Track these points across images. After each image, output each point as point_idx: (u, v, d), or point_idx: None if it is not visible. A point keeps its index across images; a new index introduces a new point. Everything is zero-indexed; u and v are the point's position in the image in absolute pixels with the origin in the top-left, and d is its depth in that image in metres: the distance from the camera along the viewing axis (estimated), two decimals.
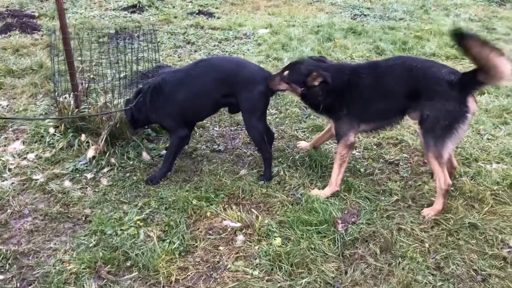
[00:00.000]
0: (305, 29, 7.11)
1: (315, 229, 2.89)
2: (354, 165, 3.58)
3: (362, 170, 3.53)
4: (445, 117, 2.85)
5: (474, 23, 7.85)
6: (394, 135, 3.97)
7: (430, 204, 3.10)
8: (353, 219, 3.01)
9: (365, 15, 8.21)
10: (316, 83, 3.12)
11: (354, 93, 3.12)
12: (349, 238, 2.83)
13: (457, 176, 3.39)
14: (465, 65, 5.69)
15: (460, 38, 2.76)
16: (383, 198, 3.23)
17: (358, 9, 8.63)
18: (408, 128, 4.10)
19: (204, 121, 4.21)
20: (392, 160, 3.68)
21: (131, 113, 3.46)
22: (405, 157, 3.72)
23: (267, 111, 4.41)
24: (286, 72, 3.25)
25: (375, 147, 3.86)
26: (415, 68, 2.99)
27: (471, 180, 3.37)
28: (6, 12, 7.19)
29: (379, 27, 7.34)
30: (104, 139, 3.56)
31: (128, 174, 3.44)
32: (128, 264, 2.65)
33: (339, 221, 2.98)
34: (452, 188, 3.18)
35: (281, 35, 6.70)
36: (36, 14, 7.31)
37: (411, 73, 2.98)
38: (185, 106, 3.33)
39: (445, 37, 6.81)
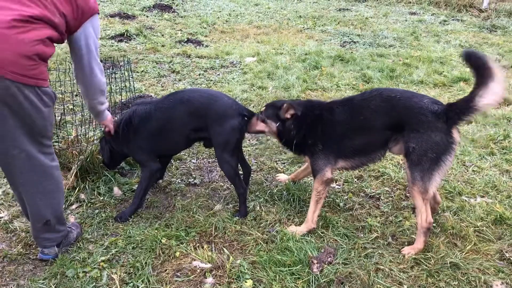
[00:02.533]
0: (293, 57, 7.07)
1: (289, 270, 2.73)
2: (334, 199, 3.45)
3: (341, 204, 3.39)
4: (432, 149, 2.72)
5: (464, 49, 7.83)
6: (376, 168, 3.84)
7: (410, 242, 2.96)
8: (329, 259, 2.85)
9: (354, 42, 8.19)
10: (288, 116, 3.04)
11: (328, 128, 3.00)
12: (324, 280, 2.67)
13: (439, 212, 3.25)
14: (453, 93, 5.63)
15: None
16: (362, 235, 3.08)
17: (348, 36, 8.62)
18: (391, 160, 3.98)
19: (181, 153, 4.09)
20: (373, 194, 3.54)
21: (108, 149, 3.36)
22: (387, 190, 3.59)
23: (248, 141, 4.33)
24: (262, 110, 3.20)
25: (356, 180, 3.73)
26: (395, 99, 2.86)
27: (454, 215, 3.23)
28: None
29: (368, 54, 7.30)
30: (74, 173, 3.44)
31: (97, 211, 3.30)
32: None
33: (315, 261, 2.82)
34: (434, 224, 3.04)
35: (268, 63, 6.64)
36: None
37: (390, 104, 2.85)
38: (155, 140, 3.22)
39: (434, 64, 6.78)
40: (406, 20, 10.04)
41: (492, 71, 2.54)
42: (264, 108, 3.26)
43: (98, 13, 2.77)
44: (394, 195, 3.52)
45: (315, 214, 3.10)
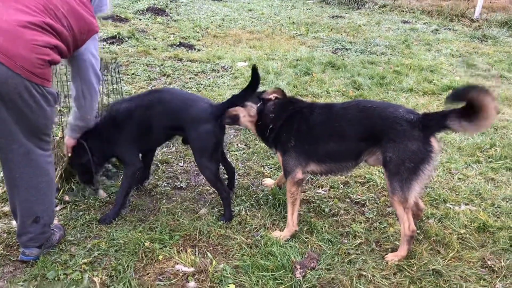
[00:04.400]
0: (284, 62, 7.09)
1: (272, 275, 2.72)
2: (319, 205, 3.45)
3: (326, 210, 3.39)
4: (410, 158, 2.71)
5: (455, 58, 7.89)
6: (362, 174, 3.86)
7: (394, 248, 2.96)
8: (312, 264, 2.85)
9: (346, 49, 8.23)
10: (272, 97, 3.11)
11: (304, 126, 3.01)
12: (306, 286, 2.66)
13: (423, 218, 3.26)
14: (442, 101, 5.66)
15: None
16: (346, 241, 3.08)
17: (340, 43, 8.66)
18: (378, 167, 3.99)
19: (168, 156, 4.08)
20: (358, 200, 3.55)
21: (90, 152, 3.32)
22: (372, 197, 3.59)
23: (236, 146, 4.33)
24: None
25: (341, 185, 3.73)
26: (370, 109, 2.87)
27: (438, 222, 3.24)
28: None
29: (359, 61, 7.33)
30: (59, 175, 3.41)
31: (81, 213, 3.28)
32: None
33: (298, 266, 2.81)
34: (418, 231, 3.05)
35: (259, 69, 6.62)
36: None
37: (366, 114, 2.86)
38: (137, 137, 3.25)
39: (424, 72, 6.82)
40: (398, 29, 10.11)
41: (487, 110, 2.47)
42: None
43: (98, 33, 2.92)
44: (379, 202, 3.53)
45: (294, 216, 3.10)
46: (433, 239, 3.05)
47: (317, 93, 5.74)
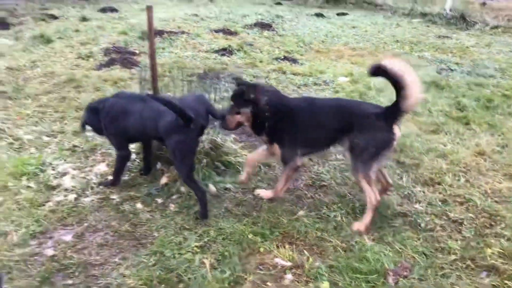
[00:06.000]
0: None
1: (365, 278, 2.89)
2: (415, 219, 3.53)
3: (422, 225, 3.47)
4: (374, 144, 3.27)
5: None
6: (461, 193, 3.86)
7: (491, 267, 2.97)
8: (405, 273, 2.96)
9: (451, 70, 8.07)
10: (252, 95, 3.41)
11: (297, 122, 3.46)
12: None
13: None
14: None
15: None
16: (440, 255, 3.14)
17: (445, 64, 8.50)
18: (479, 188, 3.97)
19: (270, 160, 4.39)
20: (456, 218, 3.57)
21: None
22: (471, 217, 3.59)
23: (334, 156, 4.52)
24: (231, 105, 3.54)
25: (440, 203, 3.77)
26: (345, 107, 3.50)
27: None
28: (112, 48, 8.06)
29: (465, 82, 7.17)
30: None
31: (193, 203, 3.66)
32: (181, 286, 2.82)
33: (391, 273, 2.95)
34: None
35: (361, 84, 6.80)
36: (137, 52, 8.10)
37: (341, 111, 3.46)
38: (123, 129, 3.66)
39: None
40: (511, 51, 9.63)
41: (405, 79, 3.07)
42: (231, 103, 3.54)
43: None
44: (478, 222, 3.52)
45: (283, 188, 3.73)
46: None
47: (419, 112, 5.74)
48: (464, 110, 5.90)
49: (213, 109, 3.64)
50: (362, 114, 3.36)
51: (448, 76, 7.65)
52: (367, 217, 3.41)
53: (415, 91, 3.11)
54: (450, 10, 13.71)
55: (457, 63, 8.57)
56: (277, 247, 3.20)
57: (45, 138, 4.64)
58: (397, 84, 3.12)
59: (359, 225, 3.41)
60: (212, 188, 3.87)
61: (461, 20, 12.81)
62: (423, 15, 13.89)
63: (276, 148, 3.58)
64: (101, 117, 3.68)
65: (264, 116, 3.46)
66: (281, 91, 3.85)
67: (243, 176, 3.88)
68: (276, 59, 8.24)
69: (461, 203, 3.78)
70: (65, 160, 4.20)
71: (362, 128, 3.32)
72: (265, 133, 3.56)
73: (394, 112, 3.25)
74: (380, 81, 6.76)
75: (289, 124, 3.48)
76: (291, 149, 3.54)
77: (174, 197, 3.74)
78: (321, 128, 3.48)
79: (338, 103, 3.71)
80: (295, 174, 3.79)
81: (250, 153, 4.19)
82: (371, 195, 3.36)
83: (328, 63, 8.18)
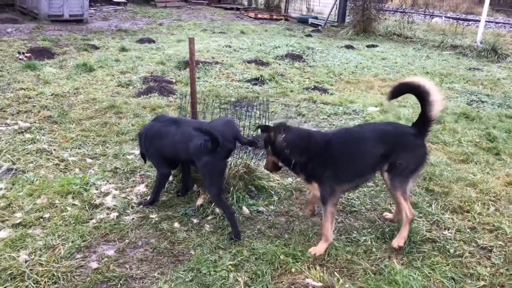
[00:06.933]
0: (416, 110, 7.19)
1: None
2: (444, 245, 3.59)
3: (451, 251, 3.53)
4: (414, 162, 3.46)
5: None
6: (491, 221, 3.90)
7: None
8: None
9: (482, 102, 8.10)
10: (271, 138, 3.54)
11: (333, 157, 3.50)
12: None
13: None
14: None
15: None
16: (469, 281, 3.19)
17: (476, 95, 8.54)
18: (508, 217, 4.00)
19: (301, 185, 4.53)
20: (485, 245, 3.61)
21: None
22: (500, 244, 3.63)
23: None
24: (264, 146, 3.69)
25: (468, 230, 3.82)
26: (385, 130, 3.60)
27: None
28: (150, 77, 8.44)
29: (496, 114, 7.20)
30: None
31: (227, 223, 3.81)
32: None
33: None
34: None
35: (390, 114, 6.91)
36: (174, 80, 8.46)
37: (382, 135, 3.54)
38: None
39: None
40: None
41: (427, 87, 3.35)
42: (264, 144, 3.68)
43: None
44: (508, 250, 3.55)
45: (331, 231, 3.58)
46: None
47: (449, 142, 5.81)
48: (495, 141, 5.93)
49: (240, 134, 3.86)
50: (403, 135, 3.51)
51: (478, 108, 7.68)
52: (404, 232, 3.52)
53: (439, 96, 3.34)
54: (481, 42, 13.74)
55: (488, 95, 8.60)
56: (308, 268, 3.31)
57: (89, 160, 4.92)
58: (421, 92, 3.37)
59: (398, 240, 3.51)
60: (245, 210, 4.04)
61: (492, 53, 12.80)
62: (454, 47, 13.94)
63: (315, 187, 3.54)
64: (143, 138, 4.01)
65: (286, 154, 3.51)
66: (312, 128, 4.00)
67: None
68: (307, 89, 8.46)
69: (491, 231, 3.82)
70: (107, 181, 4.46)
71: (405, 149, 3.46)
72: (299, 171, 3.57)
73: (424, 125, 3.44)
74: (409, 112, 6.95)
75: (323, 159, 3.46)
76: (330, 185, 3.46)
77: (209, 218, 3.92)
78: (363, 157, 3.52)
79: (376, 128, 3.72)
80: (336, 210, 3.62)
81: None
82: (407, 210, 3.48)
83: (358, 94, 8.34)
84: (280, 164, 3.63)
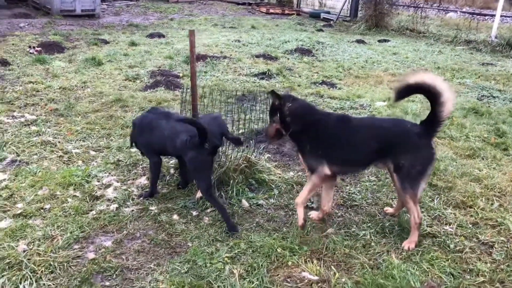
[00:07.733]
0: (425, 105, 7.10)
1: None
2: (445, 240, 3.54)
3: (451, 246, 3.47)
4: (420, 163, 3.31)
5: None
6: (494, 217, 3.83)
7: None
8: None
9: (493, 97, 7.97)
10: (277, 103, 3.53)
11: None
12: None
13: None
14: None
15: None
16: (468, 277, 3.14)
17: (487, 90, 8.39)
18: None
19: (303, 180, 4.50)
20: (486, 241, 3.55)
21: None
22: (502, 240, 3.56)
23: (366, 177, 4.58)
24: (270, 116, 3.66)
25: (470, 225, 3.76)
26: (384, 127, 3.50)
27: None
28: (157, 71, 8.47)
29: (506, 110, 7.07)
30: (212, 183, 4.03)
31: None
32: None
33: None
34: None
35: (398, 109, 6.83)
36: (181, 75, 8.48)
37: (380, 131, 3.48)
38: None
39: None
40: None
41: (438, 86, 3.18)
42: (269, 115, 3.66)
43: None
44: (510, 246, 3.48)
45: (308, 197, 3.70)
46: None
47: (455, 137, 5.73)
48: (504, 136, 5.82)
49: (227, 131, 3.86)
50: (404, 134, 3.39)
51: (489, 103, 7.55)
52: (414, 235, 3.46)
53: (451, 95, 3.19)
54: (496, 37, 13.50)
55: (500, 90, 8.45)
56: (305, 261, 3.29)
57: (92, 153, 4.96)
58: (432, 93, 3.20)
59: (409, 242, 3.45)
60: (245, 203, 4.02)
61: (508, 47, 12.58)
62: (468, 42, 13.73)
63: (301, 158, 3.62)
64: (136, 128, 4.09)
65: (287, 122, 3.53)
66: (316, 105, 3.99)
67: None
68: (315, 83, 8.40)
69: (493, 227, 3.75)
70: (109, 173, 4.48)
71: (407, 149, 3.34)
72: (292, 138, 3.62)
73: (432, 126, 3.30)
74: (417, 107, 6.86)
75: (313, 133, 3.49)
76: (315, 157, 3.50)
77: (208, 210, 3.91)
78: (355, 148, 3.49)
79: (374, 124, 3.67)
80: (330, 192, 3.77)
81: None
82: (415, 214, 3.40)
83: (366, 88, 8.25)
84: (283, 132, 3.63)
